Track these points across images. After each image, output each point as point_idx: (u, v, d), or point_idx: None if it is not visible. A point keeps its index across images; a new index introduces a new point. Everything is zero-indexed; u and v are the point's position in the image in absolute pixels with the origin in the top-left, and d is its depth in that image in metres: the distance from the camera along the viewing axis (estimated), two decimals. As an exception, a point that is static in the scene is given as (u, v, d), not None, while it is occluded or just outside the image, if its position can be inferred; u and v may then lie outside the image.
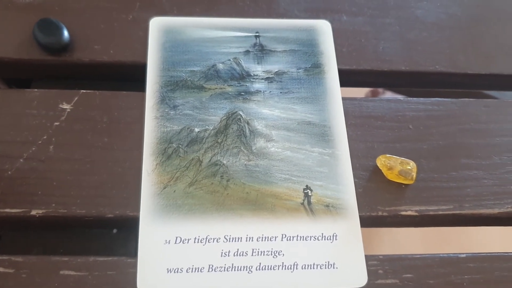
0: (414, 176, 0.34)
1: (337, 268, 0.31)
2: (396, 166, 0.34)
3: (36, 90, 0.36)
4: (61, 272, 0.30)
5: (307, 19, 0.40)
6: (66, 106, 0.35)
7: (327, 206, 0.33)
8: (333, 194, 0.33)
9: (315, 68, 0.38)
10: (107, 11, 0.40)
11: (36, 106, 0.35)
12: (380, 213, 0.34)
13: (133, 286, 0.30)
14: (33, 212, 0.32)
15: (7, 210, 0.32)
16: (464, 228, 0.92)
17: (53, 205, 0.32)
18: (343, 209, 0.33)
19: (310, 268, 0.31)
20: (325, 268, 0.31)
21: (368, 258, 0.32)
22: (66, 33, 0.37)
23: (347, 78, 0.39)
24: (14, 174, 0.33)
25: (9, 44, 0.38)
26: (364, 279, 0.31)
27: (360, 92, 0.91)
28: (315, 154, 0.35)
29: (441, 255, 0.33)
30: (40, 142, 0.34)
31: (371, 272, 0.32)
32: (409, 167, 0.34)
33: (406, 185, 0.35)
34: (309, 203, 0.33)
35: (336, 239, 0.32)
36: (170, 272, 0.31)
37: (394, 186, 0.35)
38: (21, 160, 0.33)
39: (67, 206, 0.32)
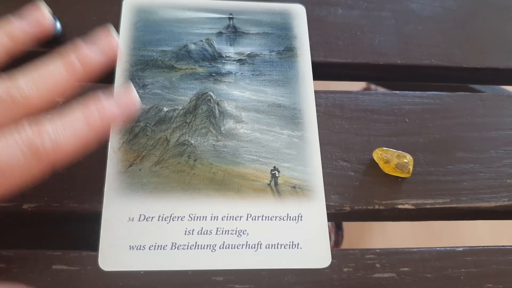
0: (411, 169, 0.34)
1: (301, 248, 0.31)
2: (393, 159, 0.34)
3: (27, 82, 0.35)
4: (54, 266, 0.30)
5: (281, 3, 0.40)
6: (58, 98, 0.35)
7: (294, 187, 0.33)
8: (300, 175, 0.33)
9: (287, 52, 0.38)
10: (99, 2, 0.39)
11: (27, 99, 0.34)
12: (376, 207, 0.33)
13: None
14: (25, 206, 0.31)
15: (-2, 203, 0.31)
16: (454, 224, 0.93)
17: (45, 198, 0.32)
18: (309, 190, 0.33)
19: (274, 248, 0.31)
20: (289, 248, 0.31)
21: (365, 251, 0.32)
22: (58, 25, 0.36)
23: (343, 72, 0.39)
24: (4, 168, 0.32)
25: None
26: (327, 260, 0.31)
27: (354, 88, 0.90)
28: (284, 136, 0.35)
29: (437, 248, 0.33)
30: (31, 135, 0.33)
31: (368, 266, 0.32)
32: (406, 160, 0.34)
33: (402, 178, 0.34)
34: (276, 184, 0.33)
35: (301, 220, 0.32)
36: (133, 249, 0.30)
37: (390, 180, 0.34)
38: (12, 153, 0.33)
39: (60, 200, 0.32)
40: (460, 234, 0.93)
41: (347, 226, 0.90)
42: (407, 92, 0.38)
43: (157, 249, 0.31)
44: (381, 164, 0.34)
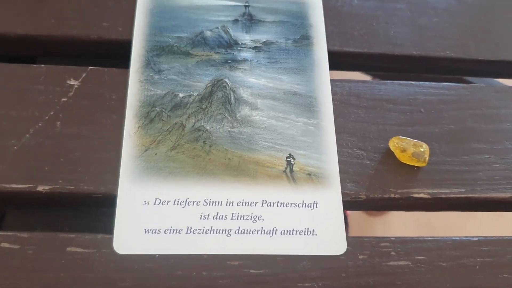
0: (427, 158, 0.34)
1: (316, 235, 0.31)
2: (409, 148, 0.34)
3: (43, 65, 0.35)
4: (68, 249, 0.30)
5: None
6: (74, 82, 0.35)
7: (309, 174, 0.33)
8: (315, 163, 0.33)
9: (303, 40, 0.38)
10: (116, -12, 0.39)
11: (43, 82, 0.34)
12: (392, 195, 0.33)
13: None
14: (40, 188, 0.31)
15: (13, 185, 0.31)
16: (457, 221, 0.93)
17: (60, 181, 0.31)
18: (325, 178, 0.33)
19: (289, 234, 0.31)
20: (305, 234, 0.31)
21: (380, 239, 0.32)
22: None
23: (358, 62, 0.39)
24: (20, 150, 0.32)
25: (15, 19, 0.37)
26: (343, 248, 0.31)
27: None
28: (299, 124, 0.35)
29: (453, 238, 0.33)
30: (47, 118, 0.33)
31: (384, 254, 0.31)
32: (422, 150, 0.34)
33: (418, 167, 0.34)
34: (291, 171, 0.33)
35: (316, 207, 0.32)
36: (148, 232, 0.30)
37: (406, 169, 0.34)
38: (27, 135, 0.33)
39: (75, 183, 0.31)
40: (462, 229, 0.93)
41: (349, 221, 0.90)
42: (423, 82, 0.38)
43: (173, 233, 0.31)
44: (397, 153, 0.34)
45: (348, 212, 0.85)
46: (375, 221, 0.97)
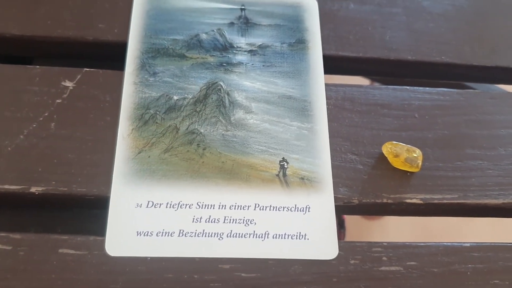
0: (420, 164, 0.34)
1: (308, 239, 0.31)
2: (402, 153, 0.34)
3: (38, 66, 0.35)
4: (60, 250, 0.30)
5: None
6: (68, 83, 0.35)
7: (302, 178, 0.33)
8: (309, 167, 0.33)
9: (299, 44, 0.38)
10: (112, -10, 0.39)
11: (37, 83, 0.35)
12: (385, 200, 0.33)
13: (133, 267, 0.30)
14: (33, 189, 0.31)
15: (6, 186, 0.31)
16: (455, 226, 0.93)
17: (53, 182, 0.31)
18: (317, 182, 0.33)
19: (281, 238, 0.31)
20: (297, 238, 0.31)
21: (372, 244, 0.32)
22: None
23: (354, 66, 0.39)
24: (13, 151, 0.32)
25: (11, 20, 0.37)
26: (334, 252, 0.31)
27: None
28: (293, 128, 0.35)
29: (445, 243, 0.33)
30: (41, 119, 0.33)
31: (375, 259, 0.32)
32: (415, 155, 0.34)
33: (411, 173, 0.34)
34: (284, 175, 0.33)
35: (309, 211, 0.32)
36: (140, 235, 0.30)
37: (399, 174, 0.34)
38: (21, 136, 0.33)
39: (68, 184, 0.32)
40: (460, 233, 0.93)
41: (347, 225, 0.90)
42: (417, 87, 0.38)
43: (165, 235, 0.31)
44: (390, 158, 0.34)
45: (345, 215, 0.85)
46: (372, 225, 0.97)
